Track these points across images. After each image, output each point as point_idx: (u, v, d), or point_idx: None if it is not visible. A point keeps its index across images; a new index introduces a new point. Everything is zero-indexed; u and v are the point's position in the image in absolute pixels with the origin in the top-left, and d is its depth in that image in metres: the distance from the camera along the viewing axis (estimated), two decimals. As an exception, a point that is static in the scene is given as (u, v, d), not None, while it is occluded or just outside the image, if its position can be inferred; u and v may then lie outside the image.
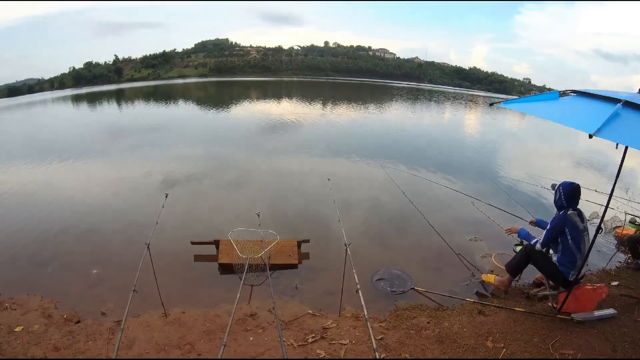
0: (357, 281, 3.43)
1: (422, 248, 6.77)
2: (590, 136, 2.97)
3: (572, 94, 4.21)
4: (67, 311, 4.81)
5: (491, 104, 5.37)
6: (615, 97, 3.57)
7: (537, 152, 17.57)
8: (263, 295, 5.08)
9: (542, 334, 4.06)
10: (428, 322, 4.37)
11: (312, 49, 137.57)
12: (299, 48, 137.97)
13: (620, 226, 7.71)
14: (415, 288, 5.29)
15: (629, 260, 6.50)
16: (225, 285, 5.42)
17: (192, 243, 6.13)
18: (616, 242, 7.33)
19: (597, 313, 4.37)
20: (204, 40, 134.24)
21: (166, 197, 5.69)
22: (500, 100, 5.04)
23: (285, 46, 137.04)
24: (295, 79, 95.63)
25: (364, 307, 3.04)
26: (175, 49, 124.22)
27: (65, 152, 13.62)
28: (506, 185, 11.09)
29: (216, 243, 6.05)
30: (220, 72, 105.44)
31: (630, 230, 7.34)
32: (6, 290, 5.27)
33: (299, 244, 6.22)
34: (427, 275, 5.75)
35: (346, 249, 4.22)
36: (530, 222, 5.25)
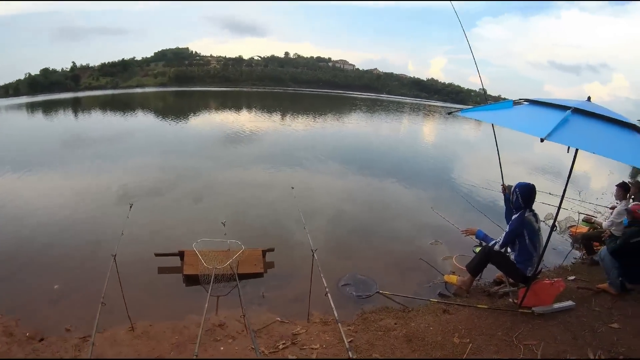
0: (325, 285, 3.45)
1: (385, 253, 6.86)
2: (542, 140, 3.19)
3: (525, 102, 4.48)
4: (30, 329, 4.57)
5: (449, 113, 5.61)
6: (565, 104, 3.85)
7: (493, 159, 18.07)
8: (230, 305, 5.00)
9: (505, 327, 4.19)
10: (395, 323, 4.42)
11: (272, 59, 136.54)
12: (260, 58, 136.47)
13: (574, 225, 8.11)
14: (380, 292, 5.35)
15: (584, 257, 6.84)
16: (192, 296, 5.31)
17: (156, 255, 5.97)
18: (571, 241, 7.70)
19: (556, 305, 4.55)
20: (164, 49, 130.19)
21: (130, 207, 5.55)
22: (457, 109, 5.27)
23: (246, 56, 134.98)
24: (255, 89, 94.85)
25: (334, 309, 3.06)
26: (134, 57, 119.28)
27: (21, 163, 12.91)
28: (464, 190, 11.48)
29: (181, 254, 5.92)
30: (180, 82, 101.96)
31: (584, 229, 7.74)
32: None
33: (264, 253, 6.18)
34: (391, 279, 5.82)
35: (313, 255, 4.25)
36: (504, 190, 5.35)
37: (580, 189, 11.50)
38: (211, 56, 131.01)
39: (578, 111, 3.67)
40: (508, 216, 5.02)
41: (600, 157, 3.77)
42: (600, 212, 9.28)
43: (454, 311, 4.66)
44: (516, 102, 4.51)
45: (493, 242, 4.75)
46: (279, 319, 4.66)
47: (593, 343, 3.93)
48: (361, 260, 6.55)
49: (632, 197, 6.75)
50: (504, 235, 4.62)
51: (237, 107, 43.87)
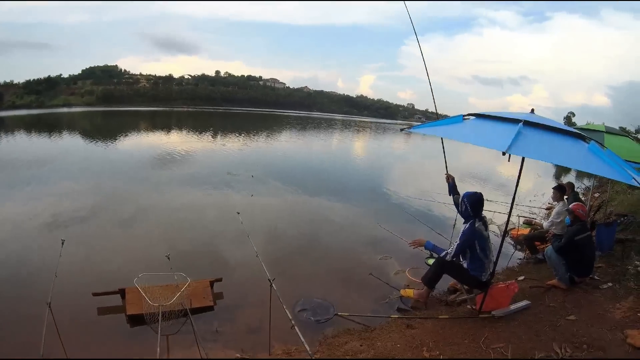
0: (290, 317, 3.28)
1: (337, 273, 6.72)
2: (504, 153, 3.32)
3: (472, 117, 4.60)
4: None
5: (402, 130, 5.67)
6: (513, 117, 4.02)
7: (424, 172, 18.74)
8: (184, 344, 4.58)
9: (470, 334, 4.19)
10: (361, 345, 4.26)
11: (203, 78, 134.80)
12: (190, 77, 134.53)
13: (514, 228, 8.44)
14: (339, 314, 5.18)
15: (528, 256, 7.13)
16: (140, 338, 4.78)
17: (94, 295, 5.41)
18: (513, 243, 8.00)
19: (513, 306, 4.67)
20: (92, 66, 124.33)
21: (62, 243, 5.20)
22: (408, 125, 5.35)
23: (177, 75, 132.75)
24: (185, 108, 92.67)
25: (304, 343, 2.87)
26: (61, 75, 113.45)
27: None
28: (404, 203, 11.77)
29: (121, 292, 5.39)
30: (108, 101, 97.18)
31: (525, 231, 8.11)
32: None
33: (211, 284, 5.76)
34: (348, 299, 5.68)
35: (271, 285, 4.14)
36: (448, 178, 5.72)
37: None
38: (141, 74, 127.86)
39: (528, 123, 3.83)
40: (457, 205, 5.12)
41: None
42: (535, 214, 9.79)
43: (417, 325, 4.61)
44: (465, 117, 4.62)
45: (444, 252, 4.76)
46: (238, 355, 4.33)
47: (556, 337, 4.03)
48: (313, 283, 6.36)
49: (567, 197, 7.18)
50: (455, 246, 4.67)
51: (168, 127, 42.08)
